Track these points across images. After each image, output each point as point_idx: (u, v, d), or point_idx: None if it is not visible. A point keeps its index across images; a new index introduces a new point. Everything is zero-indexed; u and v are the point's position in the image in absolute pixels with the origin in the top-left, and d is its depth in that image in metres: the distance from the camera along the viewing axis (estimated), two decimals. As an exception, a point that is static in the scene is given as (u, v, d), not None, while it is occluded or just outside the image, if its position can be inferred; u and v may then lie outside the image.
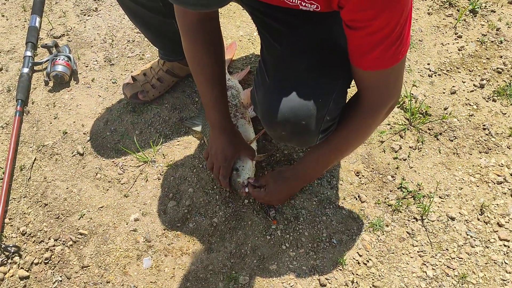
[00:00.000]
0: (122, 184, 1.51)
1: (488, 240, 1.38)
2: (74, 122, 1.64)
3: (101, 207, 1.46)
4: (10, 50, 1.83)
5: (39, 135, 1.60)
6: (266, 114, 1.16)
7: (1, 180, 1.49)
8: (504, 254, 1.36)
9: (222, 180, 1.39)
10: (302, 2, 1.02)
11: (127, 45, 1.84)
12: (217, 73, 1.27)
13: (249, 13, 1.34)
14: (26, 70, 1.70)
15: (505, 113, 1.64)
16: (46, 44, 1.69)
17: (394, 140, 1.59)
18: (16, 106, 1.62)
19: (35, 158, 1.55)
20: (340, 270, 1.34)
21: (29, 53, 1.74)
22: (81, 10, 1.96)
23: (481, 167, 1.53)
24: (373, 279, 1.32)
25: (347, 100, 1.20)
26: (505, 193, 1.47)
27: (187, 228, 1.42)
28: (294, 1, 1.03)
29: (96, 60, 1.80)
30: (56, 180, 1.51)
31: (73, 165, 1.54)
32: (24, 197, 1.47)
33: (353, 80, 1.15)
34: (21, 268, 1.34)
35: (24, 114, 1.64)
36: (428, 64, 1.78)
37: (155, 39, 1.59)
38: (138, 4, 1.41)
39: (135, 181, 1.51)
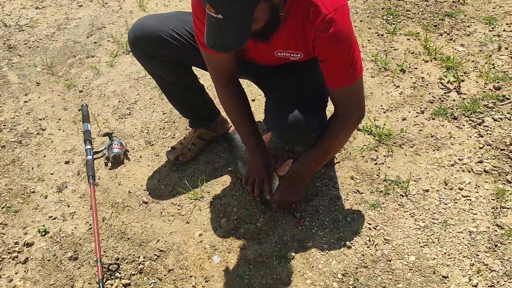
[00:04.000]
0: (182, 215, 1.98)
1: (455, 198, 1.93)
2: (134, 184, 2.15)
3: (171, 233, 1.92)
4: (71, 149, 2.38)
5: (110, 197, 2.09)
6: (277, 124, 1.74)
7: (90, 230, 1.94)
8: (469, 205, 1.90)
9: (268, 188, 1.87)
10: (291, 55, 1.69)
11: (160, 131, 2.44)
12: (250, 114, 1.87)
13: (252, 80, 2.01)
14: (89, 157, 2.24)
15: (443, 125, 2.29)
16: (106, 132, 2.27)
17: (371, 154, 2.18)
18: (89, 180, 2.12)
19: (112, 212, 2.02)
20: (358, 236, 1.83)
21: (89, 146, 2.29)
22: (118, 116, 2.57)
23: (437, 158, 2.12)
24: (383, 236, 1.81)
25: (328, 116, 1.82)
26: (458, 170, 2.05)
27: (240, 233, 1.88)
28: (285, 55, 1.69)
29: (140, 144, 2.37)
30: (131, 222, 1.97)
31: (142, 211, 2.02)
32: (110, 237, 1.91)
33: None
34: (123, 279, 1.74)
35: (95, 186, 2.14)
36: (381, 105, 2.46)
37: (186, 111, 2.19)
38: (174, 85, 2.02)
39: (191, 212, 1.99)
